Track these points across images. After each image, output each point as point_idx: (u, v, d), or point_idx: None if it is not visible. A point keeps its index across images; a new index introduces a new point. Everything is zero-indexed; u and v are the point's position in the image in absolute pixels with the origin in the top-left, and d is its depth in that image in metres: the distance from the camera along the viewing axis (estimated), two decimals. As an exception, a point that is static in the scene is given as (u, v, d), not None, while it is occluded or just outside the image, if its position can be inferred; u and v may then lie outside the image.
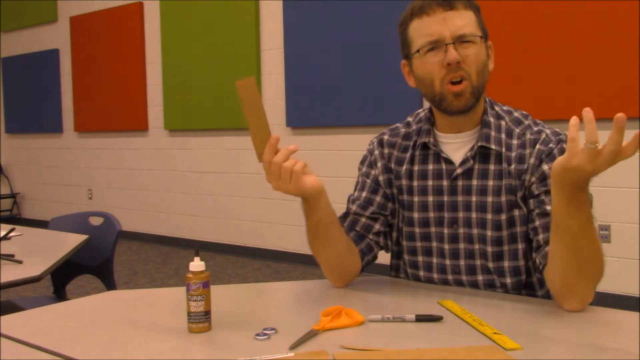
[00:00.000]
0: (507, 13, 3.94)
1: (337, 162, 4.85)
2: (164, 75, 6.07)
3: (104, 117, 6.68)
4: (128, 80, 6.38)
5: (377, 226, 1.46)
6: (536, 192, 1.30)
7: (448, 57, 1.27)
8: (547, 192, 1.28)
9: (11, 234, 2.32)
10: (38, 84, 7.36)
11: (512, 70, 3.90)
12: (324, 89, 4.92)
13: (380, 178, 1.47)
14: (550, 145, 1.31)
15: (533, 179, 1.31)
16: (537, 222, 1.29)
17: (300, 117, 5.12)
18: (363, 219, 1.46)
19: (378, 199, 1.46)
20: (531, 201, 1.31)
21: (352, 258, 1.43)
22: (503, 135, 1.36)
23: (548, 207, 1.26)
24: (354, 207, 1.47)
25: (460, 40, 1.28)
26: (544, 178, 1.30)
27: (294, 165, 1.25)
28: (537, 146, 1.32)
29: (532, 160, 1.32)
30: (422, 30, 1.31)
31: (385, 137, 1.49)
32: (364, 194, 1.47)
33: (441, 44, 1.29)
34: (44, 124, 7.38)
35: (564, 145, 1.30)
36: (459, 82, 1.29)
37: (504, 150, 1.35)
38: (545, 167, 1.30)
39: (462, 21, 1.29)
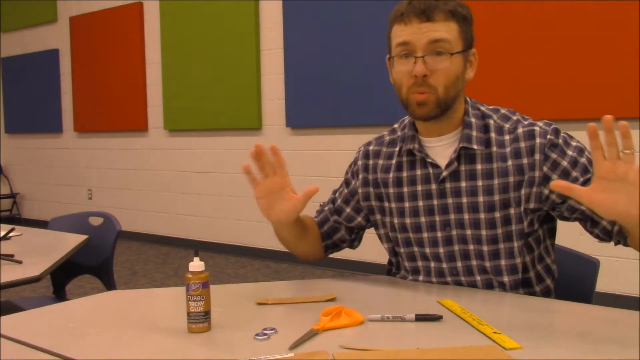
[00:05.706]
0: (507, 13, 3.94)
1: (336, 162, 4.85)
2: (164, 75, 6.07)
3: (103, 117, 6.68)
4: (128, 80, 6.38)
5: (340, 234, 1.58)
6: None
7: (415, 70, 1.29)
8: (586, 181, 1.28)
9: (11, 234, 2.33)
10: (38, 84, 7.36)
11: (511, 70, 3.90)
12: (324, 89, 4.92)
13: (359, 190, 1.52)
14: (549, 136, 1.32)
15: (554, 176, 1.31)
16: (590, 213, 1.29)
17: (300, 117, 5.12)
18: (331, 222, 1.57)
19: (348, 210, 1.54)
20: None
21: (318, 249, 1.59)
22: (493, 134, 1.36)
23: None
24: (329, 205, 1.58)
25: (433, 52, 1.29)
26: (567, 172, 1.30)
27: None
28: (537, 139, 1.32)
29: (537, 156, 1.32)
30: (398, 36, 1.33)
31: (371, 147, 1.53)
32: (339, 201, 1.57)
33: (413, 54, 1.30)
34: (43, 124, 7.38)
35: (564, 134, 1.33)
36: (423, 92, 1.31)
37: (495, 149, 1.35)
38: (557, 158, 1.31)
39: (438, 34, 1.29)
